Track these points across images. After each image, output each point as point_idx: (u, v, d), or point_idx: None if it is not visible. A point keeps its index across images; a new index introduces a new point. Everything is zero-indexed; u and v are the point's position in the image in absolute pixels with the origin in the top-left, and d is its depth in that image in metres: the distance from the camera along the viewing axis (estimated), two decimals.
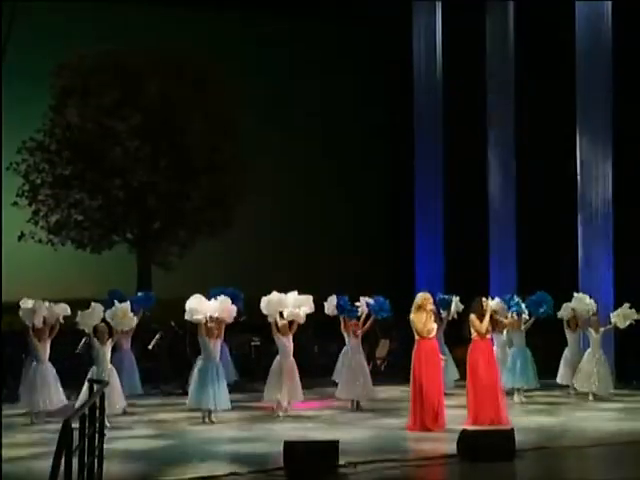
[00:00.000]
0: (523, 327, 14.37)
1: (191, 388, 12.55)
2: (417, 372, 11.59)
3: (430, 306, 11.73)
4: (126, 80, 20.09)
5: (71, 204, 20.38)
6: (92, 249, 20.43)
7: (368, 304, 13.73)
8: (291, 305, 13.05)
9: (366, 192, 22.74)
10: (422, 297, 11.79)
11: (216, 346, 12.50)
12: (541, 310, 14.13)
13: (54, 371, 12.74)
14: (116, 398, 12.14)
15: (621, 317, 14.45)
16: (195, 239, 20.95)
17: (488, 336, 12.18)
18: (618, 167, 16.78)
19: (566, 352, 15.07)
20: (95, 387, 9.26)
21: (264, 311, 13.07)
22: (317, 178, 22.33)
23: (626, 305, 14.51)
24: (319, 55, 22.45)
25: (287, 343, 13.09)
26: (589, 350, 14.53)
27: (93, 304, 12.45)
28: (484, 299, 12.20)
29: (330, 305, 13.93)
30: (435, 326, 11.87)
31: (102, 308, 12.44)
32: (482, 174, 19.36)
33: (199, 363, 12.53)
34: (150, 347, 16.31)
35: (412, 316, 11.70)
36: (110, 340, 12.43)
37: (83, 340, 14.33)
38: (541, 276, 17.55)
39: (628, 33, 16.67)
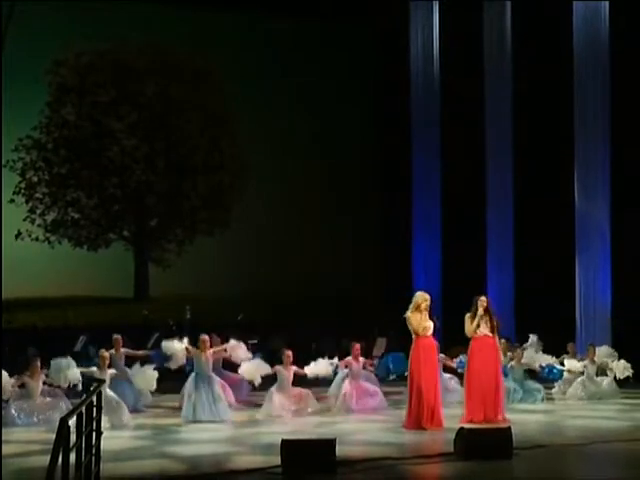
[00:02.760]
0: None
1: (186, 404, 12.52)
2: (415, 370, 11.59)
3: (425, 305, 11.72)
4: (123, 78, 20.08)
5: (68, 202, 20.35)
6: (89, 247, 20.42)
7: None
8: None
9: (364, 191, 22.72)
10: (421, 297, 11.78)
11: (208, 360, 12.62)
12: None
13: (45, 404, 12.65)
14: (123, 416, 12.15)
15: (621, 368, 14.59)
16: (192, 237, 20.94)
17: (485, 332, 12.11)
18: (617, 167, 16.78)
19: (565, 375, 15.07)
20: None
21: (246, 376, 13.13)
22: (315, 177, 22.31)
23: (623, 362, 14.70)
24: (317, 54, 22.45)
25: (288, 376, 13.04)
26: (583, 378, 14.57)
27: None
28: (482, 298, 12.19)
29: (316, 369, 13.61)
30: (431, 324, 11.85)
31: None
32: (480, 173, 19.36)
33: (191, 376, 12.65)
34: (149, 346, 16.32)
35: (409, 314, 11.71)
36: (110, 367, 12.51)
37: (81, 338, 14.33)
38: (539, 278, 17.57)
39: (626, 33, 16.67)
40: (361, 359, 13.79)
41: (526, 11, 18.48)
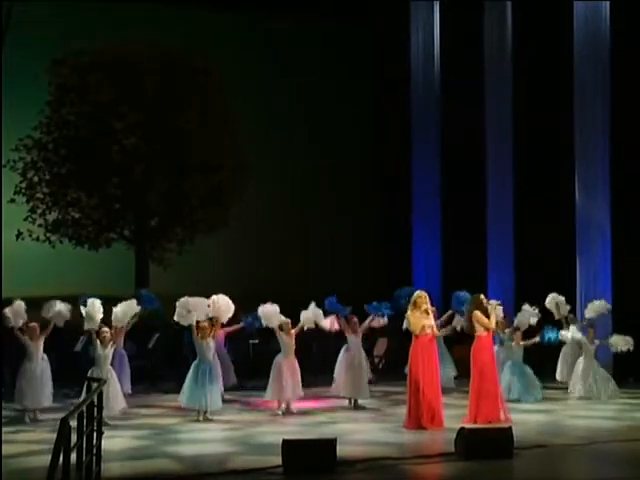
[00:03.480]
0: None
1: (184, 387, 12.65)
2: (414, 369, 11.59)
3: (425, 305, 11.73)
4: (123, 78, 20.05)
5: (68, 202, 20.33)
6: (90, 247, 20.40)
7: (373, 309, 13.85)
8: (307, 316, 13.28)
9: (364, 190, 22.73)
10: (417, 295, 11.82)
11: (209, 346, 12.68)
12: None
13: (48, 370, 12.84)
14: (117, 400, 12.21)
15: (620, 341, 14.59)
16: (192, 237, 20.93)
17: (487, 332, 12.13)
18: (617, 166, 16.79)
19: (564, 349, 15.14)
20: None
21: (264, 322, 13.23)
22: (315, 176, 22.32)
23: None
24: (318, 54, 22.46)
25: (289, 342, 13.20)
26: (581, 359, 14.58)
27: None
28: (482, 296, 12.22)
29: (309, 314, 13.67)
30: (431, 323, 11.85)
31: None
32: (480, 172, 19.36)
33: (194, 363, 12.75)
34: (150, 346, 16.34)
35: (408, 313, 11.75)
36: (112, 342, 12.52)
37: (81, 338, 14.35)
38: (539, 278, 17.56)
39: (626, 33, 16.67)
40: (359, 330, 13.88)
41: (527, 11, 18.47)
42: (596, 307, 15.09)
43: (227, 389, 14.48)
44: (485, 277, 18.78)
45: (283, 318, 13.33)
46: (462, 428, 9.91)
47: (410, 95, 21.17)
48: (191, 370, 12.69)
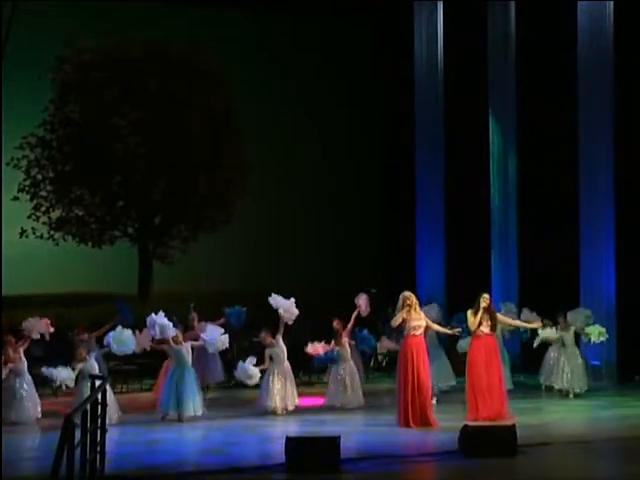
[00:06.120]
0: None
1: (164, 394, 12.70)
2: (408, 369, 11.58)
3: (413, 301, 11.73)
4: (126, 76, 20.07)
5: (72, 200, 20.35)
6: (93, 244, 20.41)
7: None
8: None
9: (366, 190, 22.69)
10: (403, 296, 11.83)
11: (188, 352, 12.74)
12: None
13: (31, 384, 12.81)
14: (112, 409, 12.13)
15: (596, 333, 14.56)
16: (196, 234, 20.96)
17: (486, 331, 12.09)
18: (619, 166, 16.77)
19: (550, 351, 15.09)
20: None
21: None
22: (317, 175, 22.28)
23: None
24: (320, 54, 22.41)
25: (274, 350, 13.13)
26: (563, 348, 14.61)
27: None
28: (485, 295, 12.19)
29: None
30: (421, 323, 11.85)
31: None
32: (483, 174, 19.32)
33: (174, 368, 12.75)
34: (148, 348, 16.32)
35: (400, 312, 11.78)
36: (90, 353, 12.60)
37: None
38: (542, 276, 17.56)
39: (630, 33, 16.64)
40: (345, 338, 13.82)
41: (531, 10, 18.44)
42: (581, 315, 14.95)
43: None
44: (489, 280, 18.72)
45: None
46: (465, 426, 9.92)
47: (413, 95, 21.11)
48: (172, 377, 12.60)
